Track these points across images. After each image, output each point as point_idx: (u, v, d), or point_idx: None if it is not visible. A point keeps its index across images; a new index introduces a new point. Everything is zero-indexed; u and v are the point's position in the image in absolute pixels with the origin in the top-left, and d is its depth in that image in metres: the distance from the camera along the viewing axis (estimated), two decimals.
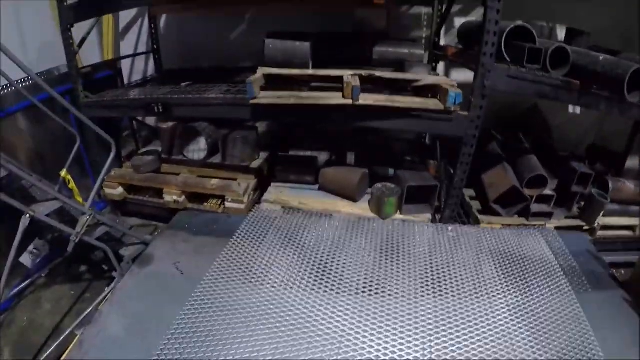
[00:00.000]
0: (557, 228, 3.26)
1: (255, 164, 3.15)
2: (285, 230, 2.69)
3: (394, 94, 2.56)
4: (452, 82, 2.54)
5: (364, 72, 2.53)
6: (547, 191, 3.10)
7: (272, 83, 2.66)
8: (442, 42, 3.59)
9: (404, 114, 2.48)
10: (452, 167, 2.83)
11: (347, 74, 2.49)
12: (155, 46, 4.05)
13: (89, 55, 3.95)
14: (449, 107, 2.43)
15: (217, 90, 2.89)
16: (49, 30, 3.70)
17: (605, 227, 3.50)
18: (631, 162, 4.77)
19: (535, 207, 3.13)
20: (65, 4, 3.14)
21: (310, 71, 2.57)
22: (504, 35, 2.66)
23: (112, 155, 2.99)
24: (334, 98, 2.44)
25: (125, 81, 4.06)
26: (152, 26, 4.10)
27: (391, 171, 3.03)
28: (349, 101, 2.39)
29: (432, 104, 2.48)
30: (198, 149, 3.32)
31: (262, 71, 2.62)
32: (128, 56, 4.20)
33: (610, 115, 3.98)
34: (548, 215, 3.21)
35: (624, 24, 4.25)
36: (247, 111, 2.64)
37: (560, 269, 2.67)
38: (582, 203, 3.49)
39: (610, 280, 2.68)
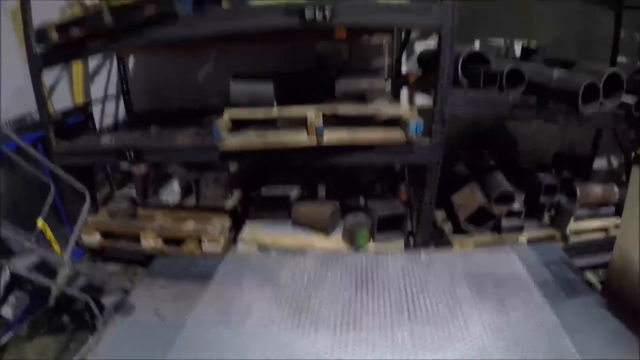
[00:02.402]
0: (529, 240, 3.36)
1: (229, 204, 3.19)
2: (261, 270, 2.72)
3: (358, 126, 2.64)
4: (412, 112, 2.63)
5: (326, 110, 2.60)
6: (516, 205, 3.21)
7: (239, 122, 2.71)
8: (404, 67, 3.71)
9: (368, 148, 2.55)
10: (422, 191, 2.91)
11: (310, 112, 2.56)
12: (124, 87, 4.08)
13: (61, 96, 3.94)
14: (411, 138, 2.51)
15: (187, 134, 2.93)
16: (22, 73, 3.69)
17: (577, 232, 3.62)
18: (597, 165, 4.96)
19: (505, 223, 3.23)
20: (34, 50, 3.16)
21: (275, 112, 2.64)
22: (460, 61, 2.78)
23: (86, 205, 2.99)
24: (300, 138, 2.50)
25: (97, 122, 4.06)
26: (121, 68, 4.13)
27: (362, 200, 3.10)
28: (314, 141, 2.46)
29: (394, 135, 2.56)
30: (171, 192, 3.34)
31: (228, 114, 2.67)
32: (99, 100, 4.21)
33: (569, 127, 4.15)
34: (519, 229, 3.31)
35: (581, 33, 4.45)
36: (216, 154, 2.67)
37: (533, 282, 2.74)
38: (553, 211, 3.63)
39: (584, 286, 2.76)
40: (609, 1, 4.26)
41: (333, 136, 2.49)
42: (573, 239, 3.58)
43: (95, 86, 4.27)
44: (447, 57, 2.48)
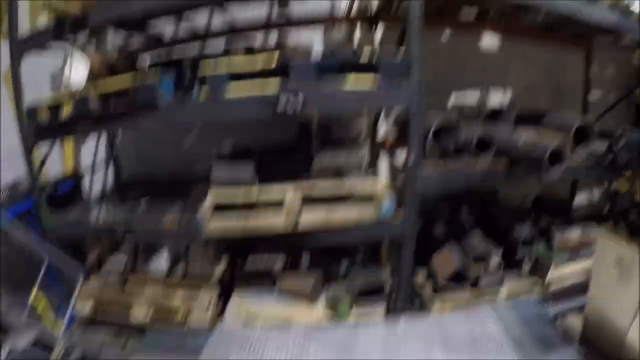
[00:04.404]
0: (509, 293, 3.45)
1: (216, 274, 3.29)
2: (247, 345, 2.81)
3: (334, 202, 2.77)
4: (386, 188, 2.76)
5: (304, 190, 2.73)
6: (494, 261, 3.31)
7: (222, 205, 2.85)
8: (383, 129, 3.83)
9: (344, 227, 2.67)
10: (400, 258, 3.01)
11: (288, 194, 2.70)
12: (113, 155, 4.22)
13: (53, 162, 4.05)
14: (384, 216, 2.64)
15: (174, 212, 3.05)
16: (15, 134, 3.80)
17: (558, 279, 3.71)
18: (579, 199, 5.07)
19: (485, 279, 3.32)
20: (26, 127, 3.30)
21: (255, 195, 2.77)
22: (431, 132, 2.92)
23: (79, 281, 3.13)
24: (277, 224, 2.63)
25: (88, 186, 4.18)
26: (110, 136, 4.27)
27: (345, 267, 3.20)
28: (291, 227, 2.58)
29: (368, 214, 2.68)
30: (161, 261, 3.45)
31: (211, 198, 2.80)
32: (89, 167, 4.32)
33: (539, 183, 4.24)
34: (499, 283, 3.41)
35: (553, 81, 4.62)
36: (201, 239, 2.79)
37: (509, 341, 2.82)
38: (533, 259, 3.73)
39: (560, 341, 2.83)
40: (578, 42, 4.44)
41: (309, 220, 2.61)
42: (554, 286, 3.67)
43: (86, 152, 4.39)
44: (415, 136, 2.62)
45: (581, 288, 3.75)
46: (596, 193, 5.26)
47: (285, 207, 2.61)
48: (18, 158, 3.50)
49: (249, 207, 2.78)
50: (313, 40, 3.09)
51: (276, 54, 2.87)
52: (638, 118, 5.18)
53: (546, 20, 3.71)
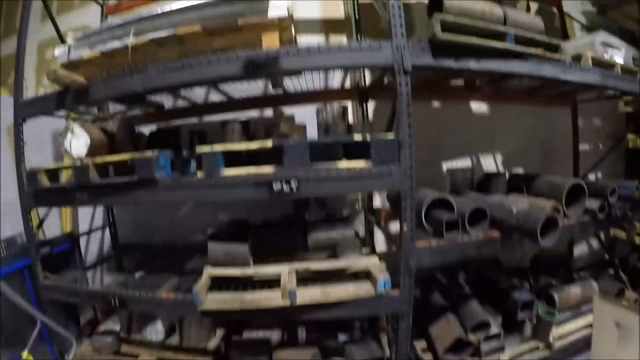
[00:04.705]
0: (512, 357, 3.39)
1: (211, 344, 3.25)
2: None
3: (330, 278, 2.77)
4: (381, 265, 2.76)
5: (299, 267, 2.74)
6: (494, 329, 3.27)
7: (218, 280, 2.84)
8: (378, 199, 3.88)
9: (340, 303, 2.65)
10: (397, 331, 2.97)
11: (284, 272, 2.71)
12: (110, 219, 4.24)
13: (51, 222, 4.06)
14: (380, 293, 2.63)
15: (168, 286, 3.04)
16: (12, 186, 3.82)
17: (561, 337, 3.66)
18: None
19: (485, 346, 3.28)
20: (25, 189, 3.32)
21: (251, 271, 2.77)
22: (424, 209, 2.95)
23: (72, 349, 3.08)
24: (274, 300, 2.61)
25: (83, 251, 4.18)
26: None
27: (342, 339, 3.16)
28: (287, 303, 2.56)
29: (365, 290, 2.67)
30: (155, 330, 3.40)
31: (207, 273, 2.80)
32: (85, 233, 4.34)
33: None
34: (500, 350, 3.36)
35: (543, 138, 4.73)
36: (197, 312, 2.76)
37: None
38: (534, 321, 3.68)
39: None
40: (563, 99, 4.57)
41: (305, 297, 2.60)
42: (558, 344, 3.62)
43: (83, 214, 4.42)
44: (408, 215, 2.64)
45: (585, 343, 3.73)
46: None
47: (282, 284, 2.59)
48: (18, 212, 3.52)
49: (245, 283, 2.78)
50: (308, 115, 3.21)
51: (271, 131, 2.97)
52: (628, 164, 5.29)
53: (531, 83, 3.85)
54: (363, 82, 3.87)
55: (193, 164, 2.98)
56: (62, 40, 3.96)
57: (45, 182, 3.26)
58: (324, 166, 2.56)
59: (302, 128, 2.95)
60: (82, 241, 4.22)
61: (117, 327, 3.60)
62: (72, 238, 4.08)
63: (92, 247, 4.38)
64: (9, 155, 3.89)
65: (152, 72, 2.74)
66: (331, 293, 2.63)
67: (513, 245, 3.06)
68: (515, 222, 3.01)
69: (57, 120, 3.78)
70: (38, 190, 3.32)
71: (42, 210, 3.70)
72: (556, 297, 3.75)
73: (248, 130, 3.08)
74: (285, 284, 2.58)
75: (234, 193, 2.63)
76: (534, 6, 4.75)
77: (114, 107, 3.99)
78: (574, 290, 3.94)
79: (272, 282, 2.72)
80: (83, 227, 4.42)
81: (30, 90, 5.13)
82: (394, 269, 2.81)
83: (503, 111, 4.43)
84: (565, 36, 4.66)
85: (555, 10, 4.77)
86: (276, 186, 2.54)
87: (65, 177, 3.39)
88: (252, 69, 2.55)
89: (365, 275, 2.79)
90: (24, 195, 3.40)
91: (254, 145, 2.61)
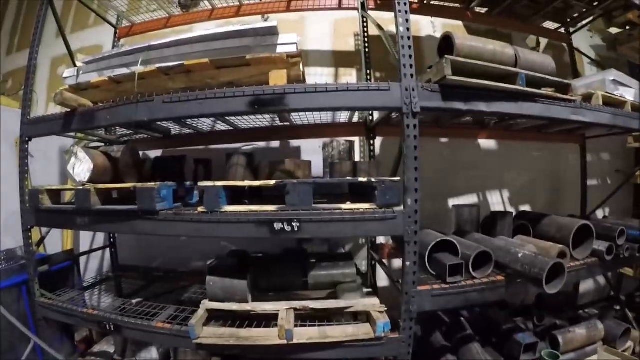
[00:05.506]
0: None
1: None
2: None
3: (329, 318, 2.72)
4: (381, 307, 2.71)
5: (298, 305, 2.69)
6: None
7: (215, 314, 2.80)
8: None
9: (338, 344, 2.60)
10: None
11: (282, 309, 2.66)
12: (111, 240, 4.23)
13: (52, 240, 4.05)
14: (379, 335, 2.57)
15: (165, 315, 3.00)
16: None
17: None
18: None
19: None
20: (26, 206, 3.30)
21: (248, 307, 2.73)
22: (427, 252, 2.90)
23: None
24: (271, 339, 2.56)
25: (82, 270, 4.16)
26: None
27: None
28: (284, 341, 2.52)
29: (364, 332, 2.62)
30: (150, 355, 3.36)
31: (204, 307, 2.76)
32: (85, 252, 4.32)
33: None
34: None
35: (550, 174, 4.67)
36: (192, 345, 2.72)
37: None
38: None
39: None
40: (571, 136, 4.52)
41: (303, 336, 2.55)
42: None
43: (85, 233, 4.41)
44: (411, 259, 2.59)
45: None
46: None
47: (279, 323, 2.55)
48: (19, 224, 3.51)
49: (243, 318, 2.73)
50: (314, 147, 3.19)
51: (276, 167, 2.94)
52: (637, 200, 5.21)
53: (540, 122, 3.81)
54: (371, 118, 3.86)
55: (196, 194, 2.95)
56: (73, 59, 3.98)
57: (47, 202, 3.25)
58: (327, 207, 2.52)
59: (307, 164, 2.91)
60: (82, 260, 4.20)
61: (112, 350, 3.56)
62: (72, 256, 4.07)
63: (91, 265, 4.36)
64: (15, 166, 3.88)
65: (157, 103, 2.73)
66: (329, 333, 2.58)
67: (518, 290, 3.00)
68: (521, 267, 2.94)
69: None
70: (39, 210, 3.31)
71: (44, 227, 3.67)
72: (560, 339, 3.68)
73: (252, 163, 3.05)
74: (282, 323, 2.53)
75: (235, 230, 2.59)
76: (543, 40, 4.73)
77: (121, 130, 3.99)
78: (579, 332, 3.86)
79: (270, 316, 2.67)
80: (84, 244, 4.41)
81: (41, 105, 5.22)
82: (395, 304, 2.76)
83: (511, 147, 4.39)
84: (575, 71, 4.63)
85: (564, 44, 4.74)
86: (278, 226, 2.51)
87: (67, 200, 3.38)
88: (258, 106, 2.53)
89: (365, 314, 2.73)
90: (25, 213, 3.37)
91: (256, 183, 2.58)
